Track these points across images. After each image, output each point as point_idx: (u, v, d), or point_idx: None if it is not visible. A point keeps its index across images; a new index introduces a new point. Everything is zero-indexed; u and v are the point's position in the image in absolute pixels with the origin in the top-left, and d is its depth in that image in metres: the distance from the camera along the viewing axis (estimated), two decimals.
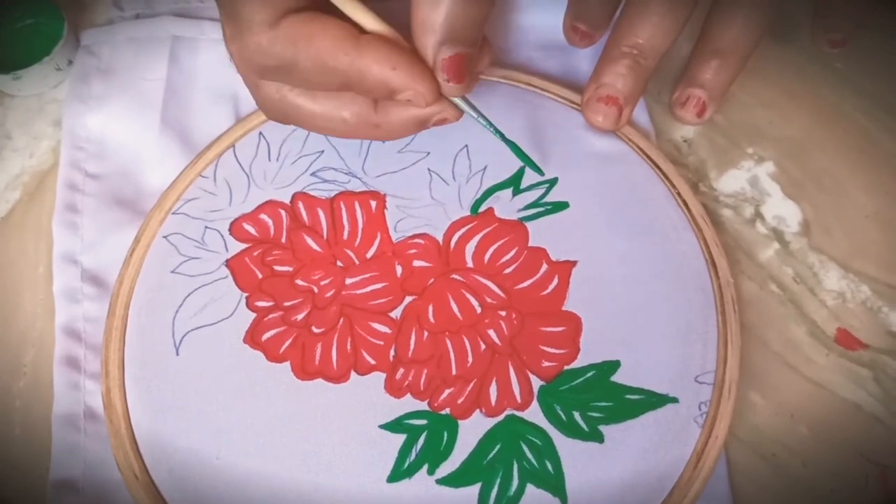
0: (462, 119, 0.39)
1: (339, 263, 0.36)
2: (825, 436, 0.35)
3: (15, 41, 0.42)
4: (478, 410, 0.34)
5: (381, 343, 0.35)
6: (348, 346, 0.35)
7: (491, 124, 0.34)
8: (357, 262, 0.36)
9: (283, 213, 0.38)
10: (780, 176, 0.41)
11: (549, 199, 0.38)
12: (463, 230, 0.37)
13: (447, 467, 0.33)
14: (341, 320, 0.35)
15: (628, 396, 0.34)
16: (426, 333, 0.35)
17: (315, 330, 0.35)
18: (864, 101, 0.42)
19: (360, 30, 0.31)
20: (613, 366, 0.34)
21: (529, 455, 0.33)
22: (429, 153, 0.39)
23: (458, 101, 0.33)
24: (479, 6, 0.31)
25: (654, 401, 0.34)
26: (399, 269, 0.36)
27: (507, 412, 0.33)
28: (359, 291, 0.36)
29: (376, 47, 0.31)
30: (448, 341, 0.35)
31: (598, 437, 0.33)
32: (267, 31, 0.30)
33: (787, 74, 0.43)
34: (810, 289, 0.38)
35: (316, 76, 0.31)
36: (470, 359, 0.34)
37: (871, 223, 0.39)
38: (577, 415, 0.33)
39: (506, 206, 0.38)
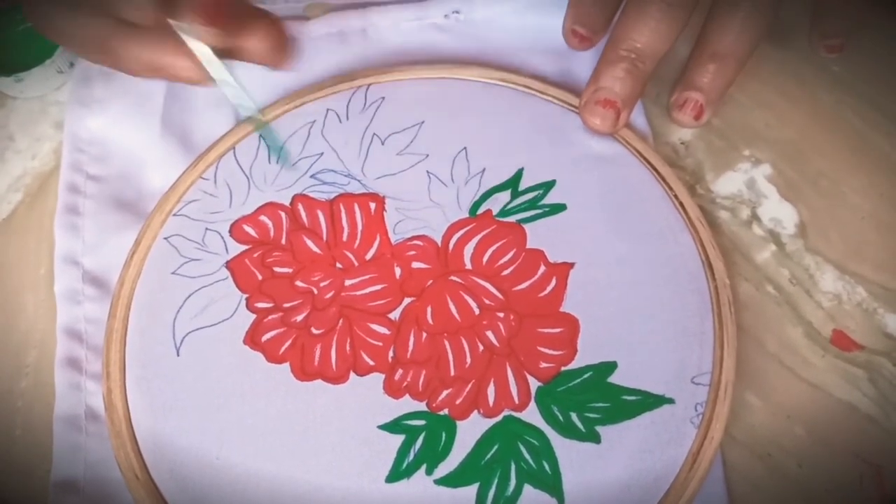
0: (460, 120, 0.39)
1: (338, 265, 0.37)
2: (821, 436, 0.35)
3: (17, 43, 0.42)
4: (476, 411, 0.34)
5: (380, 344, 0.35)
6: (347, 348, 0.35)
7: (242, 90, 0.34)
8: (356, 263, 0.37)
9: (282, 214, 0.38)
10: (777, 178, 0.41)
11: (546, 201, 0.38)
12: (461, 232, 0.37)
13: (445, 468, 0.33)
14: (340, 321, 0.35)
15: (625, 397, 0.34)
16: (425, 335, 0.35)
17: (314, 331, 0.35)
18: (860, 103, 0.42)
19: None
20: (610, 367, 0.34)
21: (527, 455, 0.33)
22: (428, 155, 0.39)
23: (196, 47, 0.33)
24: None
25: (651, 402, 0.34)
26: (398, 271, 0.36)
27: (505, 413, 0.34)
28: (358, 293, 0.36)
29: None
30: (446, 342, 0.35)
31: (595, 438, 0.33)
32: None
33: (784, 77, 0.43)
34: (806, 290, 0.38)
35: None
36: (468, 360, 0.34)
37: (868, 225, 0.40)
38: (574, 415, 0.33)
39: (504, 208, 0.38)
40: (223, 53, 0.34)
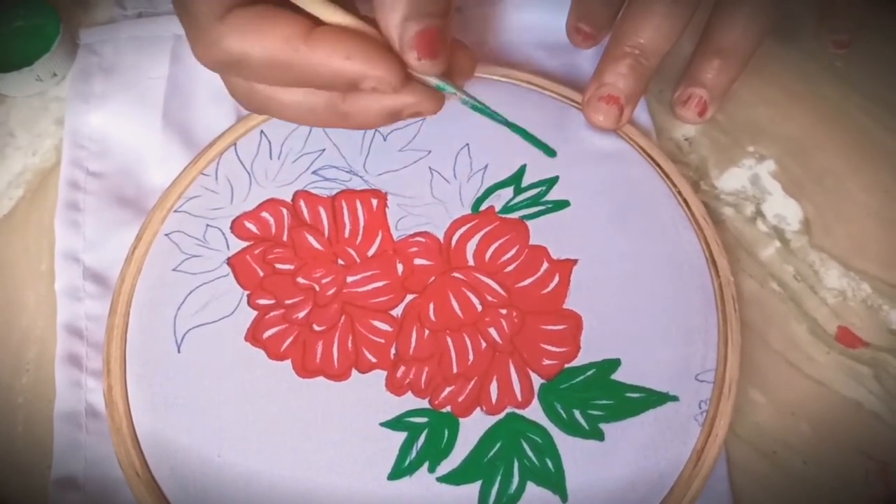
0: (463, 117, 0.39)
1: (340, 262, 0.36)
2: (826, 433, 0.35)
3: (6, 42, 0.42)
4: (478, 408, 0.33)
5: (382, 341, 0.35)
6: (349, 344, 0.35)
7: (486, 107, 0.33)
8: (358, 260, 0.36)
9: (284, 211, 0.38)
10: (781, 174, 0.41)
11: (549, 197, 0.38)
12: (464, 228, 0.37)
13: (448, 465, 0.33)
14: (342, 318, 0.35)
15: (628, 394, 0.34)
16: (427, 331, 0.35)
17: (316, 328, 0.35)
18: (865, 100, 0.42)
19: (317, 22, 0.30)
20: (614, 364, 0.34)
21: (530, 453, 0.33)
22: (430, 151, 0.39)
23: (444, 85, 0.31)
24: None
25: (655, 399, 0.33)
26: (400, 268, 0.36)
27: (508, 410, 0.33)
28: (360, 289, 0.36)
29: (328, 39, 0.29)
30: (449, 339, 0.35)
31: (599, 436, 0.33)
32: (215, 26, 0.29)
33: (789, 73, 0.43)
34: (811, 287, 0.38)
35: (268, 72, 0.30)
36: (471, 357, 0.34)
37: (872, 221, 0.39)
38: (577, 413, 0.33)
39: (507, 205, 0.37)
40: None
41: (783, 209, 0.40)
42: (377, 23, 0.30)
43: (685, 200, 0.37)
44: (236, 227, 0.37)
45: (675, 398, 0.33)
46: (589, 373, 0.34)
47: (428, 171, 0.38)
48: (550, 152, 0.37)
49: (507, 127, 0.34)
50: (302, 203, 0.38)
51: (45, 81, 0.42)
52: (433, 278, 0.36)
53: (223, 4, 0.29)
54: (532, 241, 0.37)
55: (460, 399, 0.34)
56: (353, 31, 0.30)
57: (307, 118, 0.32)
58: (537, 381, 0.34)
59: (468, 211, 0.37)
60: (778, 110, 0.42)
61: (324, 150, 0.39)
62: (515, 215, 0.37)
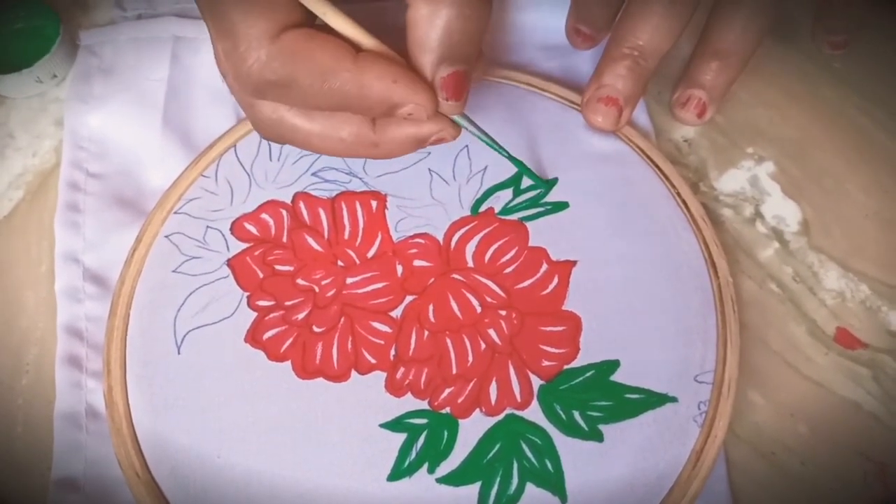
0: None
1: (339, 263, 0.36)
2: (824, 434, 0.35)
3: (6, 44, 0.42)
4: (478, 409, 0.34)
5: (382, 342, 0.35)
6: (349, 346, 0.35)
7: (493, 140, 0.35)
8: (358, 261, 0.37)
9: (284, 212, 0.38)
10: (780, 175, 0.41)
11: (549, 199, 0.38)
12: (463, 230, 0.37)
13: (447, 466, 0.33)
14: (342, 320, 0.35)
15: (628, 396, 0.34)
16: (426, 333, 0.35)
17: (316, 329, 0.35)
18: (863, 101, 0.42)
19: (357, 48, 0.31)
20: (613, 365, 0.34)
21: (529, 454, 0.33)
22: (429, 153, 0.39)
23: (459, 119, 0.33)
24: (477, 23, 0.31)
25: (654, 400, 0.33)
26: (399, 269, 0.36)
27: (507, 411, 0.33)
28: (359, 291, 0.36)
29: (376, 62, 0.30)
30: (448, 340, 0.35)
31: (598, 437, 0.33)
32: (266, 46, 0.30)
33: (787, 74, 0.43)
34: (810, 288, 0.38)
35: (315, 93, 0.30)
36: (470, 358, 0.34)
37: (871, 223, 0.39)
38: (576, 414, 0.33)
39: (506, 206, 0.38)
40: None
41: (782, 210, 0.40)
42: (409, 59, 0.31)
43: (684, 202, 0.38)
44: (236, 228, 0.37)
45: (674, 399, 0.33)
46: (588, 374, 0.34)
47: (427, 173, 0.38)
48: (543, 185, 0.37)
49: (511, 161, 0.36)
50: (302, 205, 0.38)
51: (44, 83, 0.42)
52: (433, 280, 0.36)
53: (277, 25, 0.30)
54: (531, 243, 0.37)
55: (460, 400, 0.34)
56: (393, 58, 0.31)
57: (335, 147, 0.33)
58: (536, 383, 0.34)
59: (467, 212, 0.37)
60: (777, 111, 0.42)
61: None
62: (515, 217, 0.37)
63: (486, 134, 0.34)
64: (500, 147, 0.35)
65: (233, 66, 0.31)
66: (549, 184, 0.38)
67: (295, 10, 0.30)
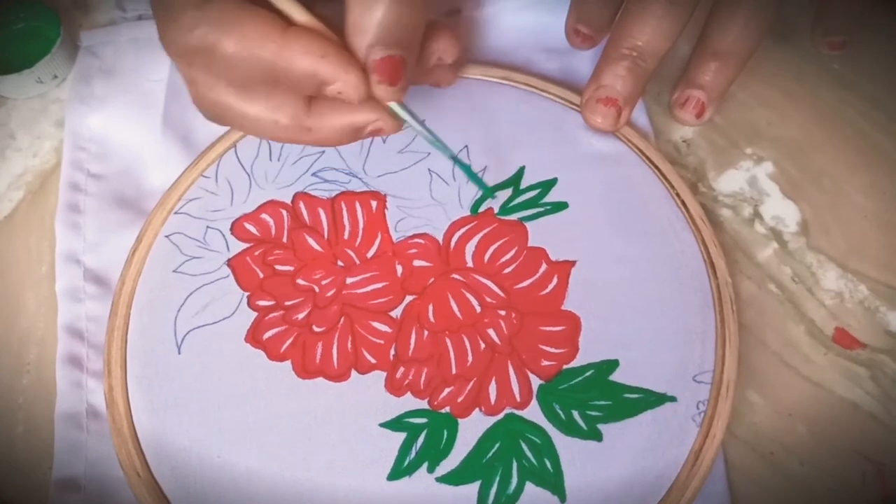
0: (462, 119, 0.39)
1: (339, 263, 0.37)
2: (823, 434, 0.35)
3: (7, 44, 0.42)
4: (477, 409, 0.34)
5: (382, 342, 0.35)
6: (349, 345, 0.35)
7: (435, 137, 0.34)
8: (358, 261, 0.37)
9: (284, 212, 0.38)
10: (779, 176, 0.41)
11: (548, 199, 0.38)
12: (463, 230, 0.37)
13: (447, 465, 0.33)
14: (342, 319, 0.35)
15: (627, 395, 0.34)
16: (426, 332, 0.35)
17: (316, 329, 0.35)
18: (862, 102, 0.42)
19: (290, 23, 0.30)
20: (612, 365, 0.34)
21: (528, 453, 0.33)
22: (429, 153, 0.39)
23: (396, 108, 0.33)
24: (414, 12, 0.31)
25: (653, 400, 0.34)
26: (399, 269, 0.36)
27: (507, 411, 0.34)
28: (359, 291, 0.36)
29: (304, 36, 0.30)
30: (448, 340, 0.35)
31: (597, 436, 0.33)
32: (192, 11, 0.29)
33: (786, 75, 0.43)
34: (808, 288, 0.38)
35: (240, 62, 0.30)
36: (470, 358, 0.34)
37: (869, 223, 0.40)
38: (575, 413, 0.33)
39: (505, 206, 0.38)
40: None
41: (781, 211, 0.40)
42: (346, 43, 0.31)
43: (683, 202, 0.38)
44: (236, 228, 0.37)
45: (672, 399, 0.34)
46: (587, 374, 0.34)
47: (427, 173, 0.39)
48: (486, 189, 0.37)
49: (454, 162, 0.35)
50: (302, 205, 0.38)
51: (45, 83, 0.42)
52: (432, 279, 0.36)
53: None
54: (531, 243, 0.37)
55: (459, 400, 0.34)
56: (325, 35, 0.30)
57: (270, 130, 0.33)
58: (536, 382, 0.34)
59: (467, 212, 0.38)
60: (775, 112, 0.42)
61: (323, 151, 0.39)
62: (514, 217, 0.37)
63: (428, 129, 0.34)
64: (441, 143, 0.34)
65: (163, 33, 0.31)
66: (489, 188, 0.38)
67: None
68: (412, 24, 0.31)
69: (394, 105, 0.33)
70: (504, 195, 0.38)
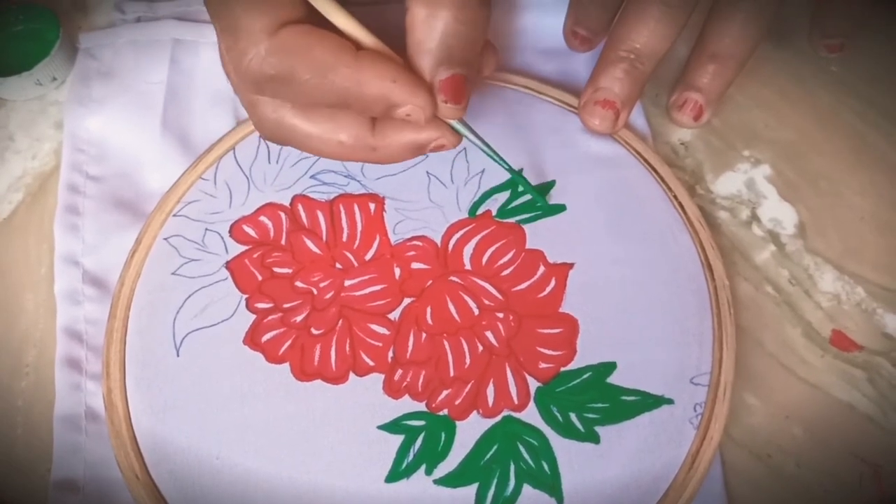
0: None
1: (338, 265, 0.37)
2: (820, 436, 0.35)
3: (6, 46, 0.42)
4: (475, 411, 0.34)
5: (380, 344, 0.35)
6: (347, 348, 0.35)
7: (493, 150, 0.35)
8: (356, 264, 0.37)
9: (282, 215, 0.38)
10: (776, 178, 0.41)
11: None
12: (461, 232, 0.37)
13: (445, 468, 0.33)
14: (340, 322, 0.35)
15: (624, 398, 0.34)
16: (424, 335, 0.35)
17: (314, 331, 0.35)
18: (859, 104, 0.42)
19: (357, 46, 0.31)
20: (609, 367, 0.34)
21: (526, 456, 0.33)
22: (427, 156, 0.39)
23: (458, 126, 0.33)
24: (476, 27, 0.31)
25: (650, 402, 0.34)
26: (397, 271, 0.36)
27: (505, 413, 0.34)
28: (357, 293, 0.36)
29: (375, 60, 0.30)
30: (446, 343, 0.35)
31: (594, 438, 0.33)
32: (266, 40, 0.30)
33: (783, 77, 0.43)
34: (805, 290, 0.38)
35: (314, 89, 0.30)
36: (467, 360, 0.34)
37: (867, 225, 0.39)
38: (573, 416, 0.33)
39: (504, 209, 0.38)
40: None
41: (778, 213, 0.40)
42: (409, 62, 0.31)
43: (680, 205, 0.38)
44: (235, 231, 0.37)
45: (670, 401, 0.34)
46: (585, 376, 0.34)
47: (425, 176, 0.38)
48: (542, 199, 0.37)
49: (510, 173, 0.36)
50: (300, 207, 0.38)
51: (44, 85, 0.42)
52: (430, 282, 0.36)
53: (277, 20, 0.30)
54: (528, 245, 0.37)
55: (457, 402, 0.34)
56: (393, 58, 0.31)
57: (334, 150, 0.33)
58: (533, 385, 0.34)
59: (465, 215, 0.38)
60: (773, 115, 0.42)
61: None
62: (512, 219, 0.37)
63: (487, 143, 0.34)
64: (501, 158, 0.35)
65: (233, 61, 0.31)
66: (546, 202, 0.38)
67: (297, 7, 0.30)
68: (473, 41, 0.31)
69: (455, 123, 0.33)
70: (502, 197, 0.38)
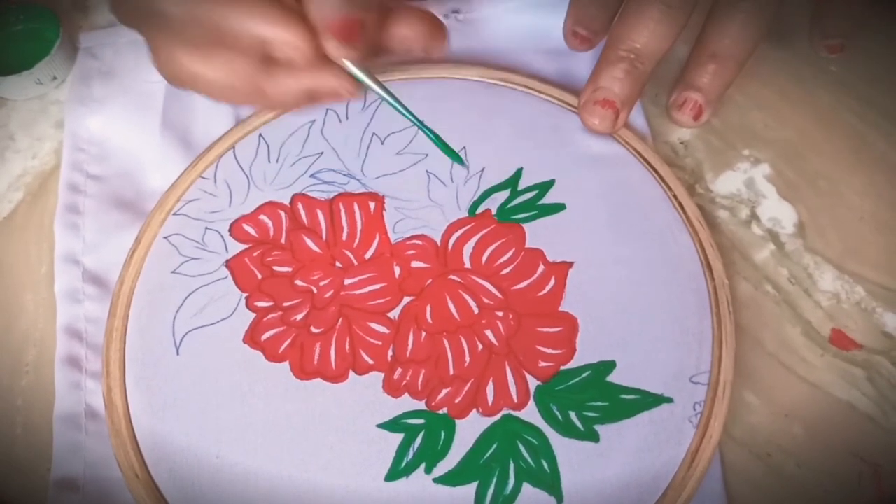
0: (460, 120, 0.39)
1: (337, 264, 0.36)
2: (819, 436, 0.35)
3: (6, 46, 0.42)
4: (475, 410, 0.33)
5: (380, 343, 0.35)
6: (347, 347, 0.35)
7: (399, 103, 0.33)
8: (356, 262, 0.36)
9: (282, 214, 0.38)
10: (776, 178, 0.41)
11: (546, 200, 0.38)
12: (461, 231, 0.37)
13: (444, 466, 0.33)
14: (340, 320, 0.35)
15: (623, 396, 0.33)
16: (424, 334, 0.35)
17: (314, 330, 0.35)
18: (858, 103, 0.42)
19: None
20: (609, 366, 0.34)
21: (526, 454, 0.33)
22: (427, 155, 0.39)
23: (353, 69, 0.32)
24: None
25: (650, 401, 0.33)
26: (397, 270, 0.36)
27: (504, 412, 0.33)
28: (357, 292, 0.36)
29: (248, 2, 0.30)
30: (445, 341, 0.35)
31: (594, 437, 0.33)
32: None
33: (783, 77, 0.43)
34: (805, 290, 0.38)
35: (187, 25, 0.30)
36: (467, 359, 0.34)
37: (866, 224, 0.39)
38: (573, 414, 0.33)
39: (503, 208, 0.37)
40: (376, 50, 0.34)
41: (778, 212, 0.40)
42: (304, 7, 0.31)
43: (680, 204, 0.37)
44: (235, 229, 0.37)
45: (669, 400, 0.33)
46: (584, 375, 0.34)
47: (425, 175, 0.38)
48: (458, 159, 0.37)
49: (420, 127, 0.35)
50: (300, 206, 0.38)
51: (44, 84, 0.42)
52: (430, 281, 0.36)
53: None
54: (528, 244, 0.37)
55: (457, 401, 0.34)
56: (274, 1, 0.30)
57: (227, 94, 0.33)
58: (533, 383, 0.34)
59: (465, 214, 0.37)
60: (772, 114, 0.42)
61: (322, 153, 0.39)
62: (512, 218, 0.37)
63: (390, 93, 0.33)
64: (407, 109, 0.34)
65: (115, 3, 0.31)
66: (461, 158, 0.37)
67: None
68: None
69: (350, 66, 0.32)
70: (502, 196, 0.38)
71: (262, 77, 0.32)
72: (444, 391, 0.34)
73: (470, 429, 0.33)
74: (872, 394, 0.36)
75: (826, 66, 0.43)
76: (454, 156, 0.37)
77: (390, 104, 0.34)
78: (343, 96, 0.33)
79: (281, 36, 0.30)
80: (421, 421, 0.33)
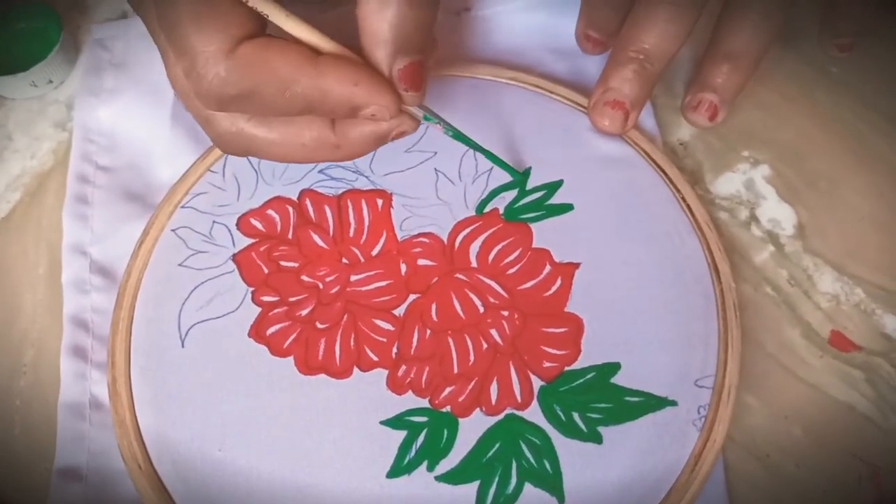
0: (468, 119, 0.36)
1: (344, 260, 0.33)
2: (818, 437, 0.32)
3: (8, 45, 0.39)
4: (478, 409, 0.30)
5: (384, 340, 0.31)
6: (352, 343, 0.31)
7: (458, 132, 0.31)
8: (362, 259, 0.33)
9: (290, 209, 0.34)
10: (776, 179, 0.37)
11: (554, 200, 0.34)
12: (468, 230, 0.34)
13: (446, 464, 0.30)
14: (345, 317, 0.32)
15: (628, 398, 0.30)
16: (429, 331, 0.32)
17: (319, 325, 0.32)
18: (858, 104, 0.39)
19: (316, 51, 0.28)
20: (614, 368, 0.31)
21: (528, 454, 0.30)
22: (436, 153, 0.35)
23: (418, 109, 0.30)
24: (426, 10, 0.28)
25: (654, 403, 0.30)
26: (403, 268, 0.33)
27: (507, 411, 0.30)
28: (363, 288, 0.32)
29: (336, 65, 0.27)
30: (450, 340, 0.31)
31: (597, 438, 0.30)
32: (224, 60, 0.26)
33: (783, 77, 0.40)
34: (805, 291, 0.35)
35: (277, 101, 0.27)
36: (471, 358, 0.31)
37: (866, 226, 0.36)
38: (576, 415, 0.30)
39: (511, 207, 0.34)
40: None
41: (777, 214, 0.36)
42: (365, 57, 0.28)
43: (688, 206, 0.34)
44: (242, 224, 0.34)
45: (673, 403, 0.30)
46: (589, 376, 0.31)
47: (433, 173, 0.35)
48: (518, 176, 0.34)
49: (483, 153, 0.32)
50: (308, 202, 0.34)
51: (40, 87, 0.39)
52: (436, 279, 0.33)
53: (232, 38, 0.26)
54: (535, 244, 0.33)
55: (460, 399, 0.30)
56: (352, 60, 0.28)
57: (297, 154, 0.30)
58: (537, 383, 0.31)
59: (472, 213, 0.34)
60: (772, 115, 0.39)
61: None
62: (519, 218, 0.34)
63: (451, 125, 0.31)
64: (467, 138, 0.31)
65: (193, 84, 0.27)
66: (525, 174, 0.34)
67: (249, 21, 0.27)
68: (425, 24, 0.28)
69: (416, 109, 0.30)
70: (510, 195, 0.34)
71: (332, 132, 0.29)
72: (448, 389, 0.31)
73: (473, 427, 0.30)
74: (872, 395, 0.33)
75: (826, 67, 0.40)
76: (516, 175, 0.34)
77: (456, 137, 0.31)
78: (408, 133, 0.30)
79: (376, 101, 0.28)
80: (424, 419, 0.30)
